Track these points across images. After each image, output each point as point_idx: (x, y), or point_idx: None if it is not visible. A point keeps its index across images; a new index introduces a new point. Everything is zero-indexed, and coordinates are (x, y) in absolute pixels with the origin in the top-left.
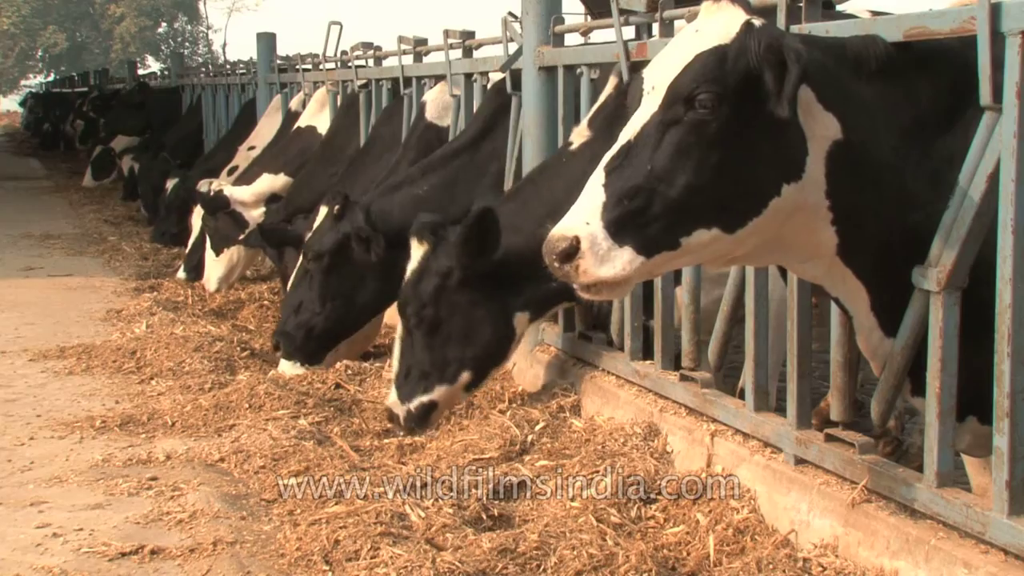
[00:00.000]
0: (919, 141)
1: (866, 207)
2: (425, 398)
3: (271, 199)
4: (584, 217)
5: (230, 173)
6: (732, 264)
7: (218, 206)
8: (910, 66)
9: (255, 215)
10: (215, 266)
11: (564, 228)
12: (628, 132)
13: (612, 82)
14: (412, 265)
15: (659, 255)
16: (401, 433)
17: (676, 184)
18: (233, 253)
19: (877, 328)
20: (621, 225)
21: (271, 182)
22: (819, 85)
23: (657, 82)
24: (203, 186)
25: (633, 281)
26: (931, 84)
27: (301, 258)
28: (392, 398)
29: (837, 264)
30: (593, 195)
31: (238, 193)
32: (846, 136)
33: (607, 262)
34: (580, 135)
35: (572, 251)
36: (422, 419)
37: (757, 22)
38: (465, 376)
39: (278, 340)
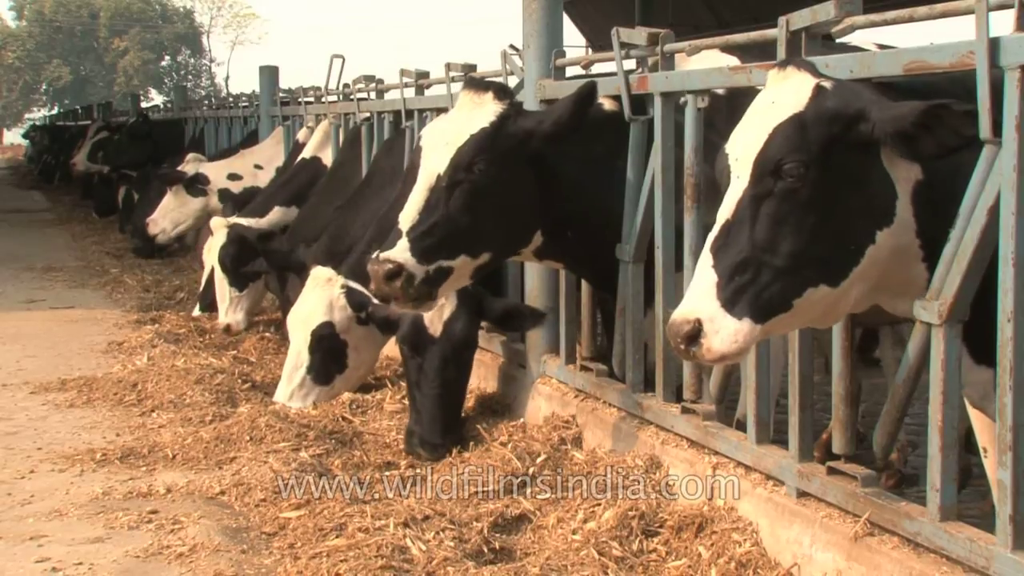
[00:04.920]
0: None
1: None
2: (446, 263)
3: (283, 232)
4: (701, 299)
5: (231, 178)
6: (839, 318)
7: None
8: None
9: None
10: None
11: (685, 312)
12: (725, 211)
13: None
14: (483, 117)
15: (774, 319)
16: (406, 298)
17: (780, 252)
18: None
19: (967, 355)
20: (736, 300)
21: (284, 214)
22: None
23: (741, 156)
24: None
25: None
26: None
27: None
28: (404, 254)
29: None
30: (705, 277)
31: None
32: (927, 176)
33: (729, 337)
34: None
35: (695, 333)
36: (434, 285)
37: (827, 84)
38: (485, 257)
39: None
